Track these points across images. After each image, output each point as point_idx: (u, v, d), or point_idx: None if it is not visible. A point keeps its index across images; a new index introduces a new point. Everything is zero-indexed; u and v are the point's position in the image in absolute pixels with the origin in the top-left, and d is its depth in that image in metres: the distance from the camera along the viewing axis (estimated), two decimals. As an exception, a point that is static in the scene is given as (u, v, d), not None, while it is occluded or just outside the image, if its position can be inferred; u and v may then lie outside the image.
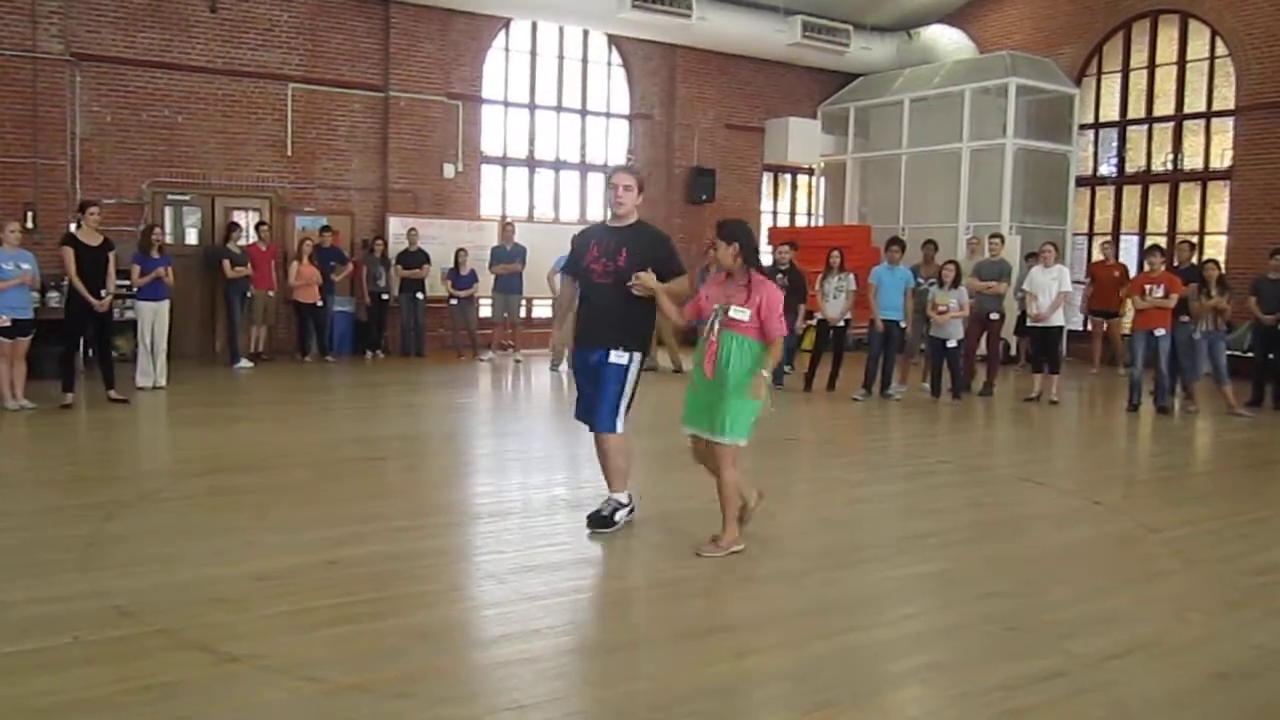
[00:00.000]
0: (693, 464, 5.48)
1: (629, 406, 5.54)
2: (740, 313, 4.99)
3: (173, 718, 3.24)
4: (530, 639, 4.01)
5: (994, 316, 11.70)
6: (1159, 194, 16.46)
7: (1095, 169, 17.31)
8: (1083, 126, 16.96)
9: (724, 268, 5.20)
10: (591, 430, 5.56)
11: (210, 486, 6.60)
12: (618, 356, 5.39)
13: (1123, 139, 16.90)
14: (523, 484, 7.21)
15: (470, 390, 12.05)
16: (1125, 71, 16.71)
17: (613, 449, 5.51)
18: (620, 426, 5.48)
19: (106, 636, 3.89)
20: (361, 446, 8.14)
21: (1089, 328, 15.04)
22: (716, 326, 5.05)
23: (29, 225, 11.51)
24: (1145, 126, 16.51)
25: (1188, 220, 16.09)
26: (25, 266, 9.23)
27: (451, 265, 14.22)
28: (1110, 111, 17.02)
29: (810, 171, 19.42)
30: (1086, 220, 17.34)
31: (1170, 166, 16.18)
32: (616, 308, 5.37)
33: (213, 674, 3.59)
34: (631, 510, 5.66)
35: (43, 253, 10.41)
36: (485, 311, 14.77)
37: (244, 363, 12.72)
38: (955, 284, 10.97)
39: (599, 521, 5.49)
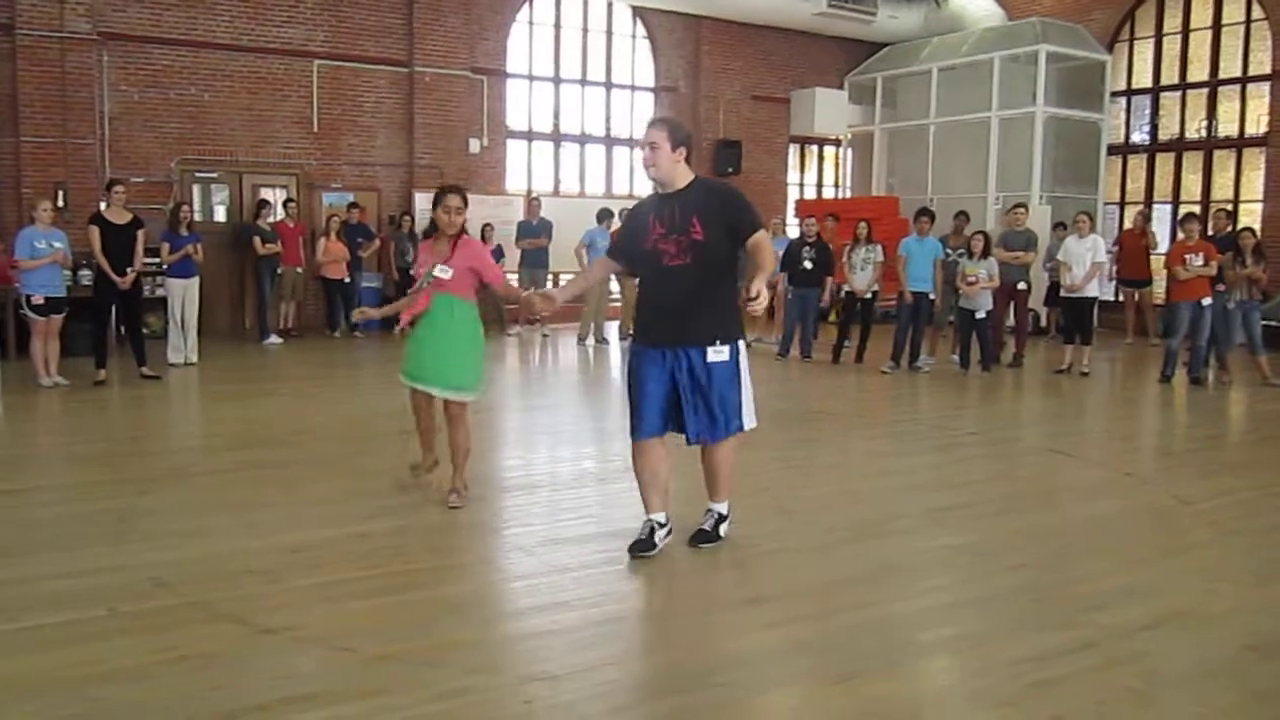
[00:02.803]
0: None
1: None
2: (444, 271, 5.31)
3: (209, 687, 3.29)
4: (559, 611, 4.03)
5: (1021, 287, 11.60)
6: (1193, 162, 16.23)
7: (1127, 137, 17.08)
8: (1115, 94, 16.73)
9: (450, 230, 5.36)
10: (700, 443, 4.71)
11: (241, 461, 6.68)
12: (718, 353, 4.54)
13: (1156, 106, 16.66)
14: (551, 457, 7.24)
15: (498, 364, 12.08)
16: (1158, 37, 16.45)
17: (728, 455, 4.73)
18: (751, 422, 4.73)
19: (142, 608, 3.95)
20: (390, 420, 8.16)
21: (1120, 298, 14.87)
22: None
23: (60, 204, 11.60)
24: (1179, 93, 16.27)
25: (1222, 188, 15.87)
26: (57, 245, 9.34)
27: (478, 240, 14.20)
28: (1143, 78, 16.77)
29: (837, 143, 19.27)
30: (1118, 189, 17.13)
31: (1205, 133, 15.95)
32: (704, 291, 4.50)
33: (247, 645, 3.64)
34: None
35: (74, 231, 10.51)
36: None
37: (273, 338, 12.82)
38: (985, 255, 10.88)
39: (706, 538, 4.82)
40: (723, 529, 4.86)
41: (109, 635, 3.70)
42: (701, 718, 3.19)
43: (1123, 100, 16.94)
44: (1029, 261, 11.66)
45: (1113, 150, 16.80)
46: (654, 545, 4.65)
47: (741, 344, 4.67)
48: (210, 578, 4.28)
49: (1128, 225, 15.67)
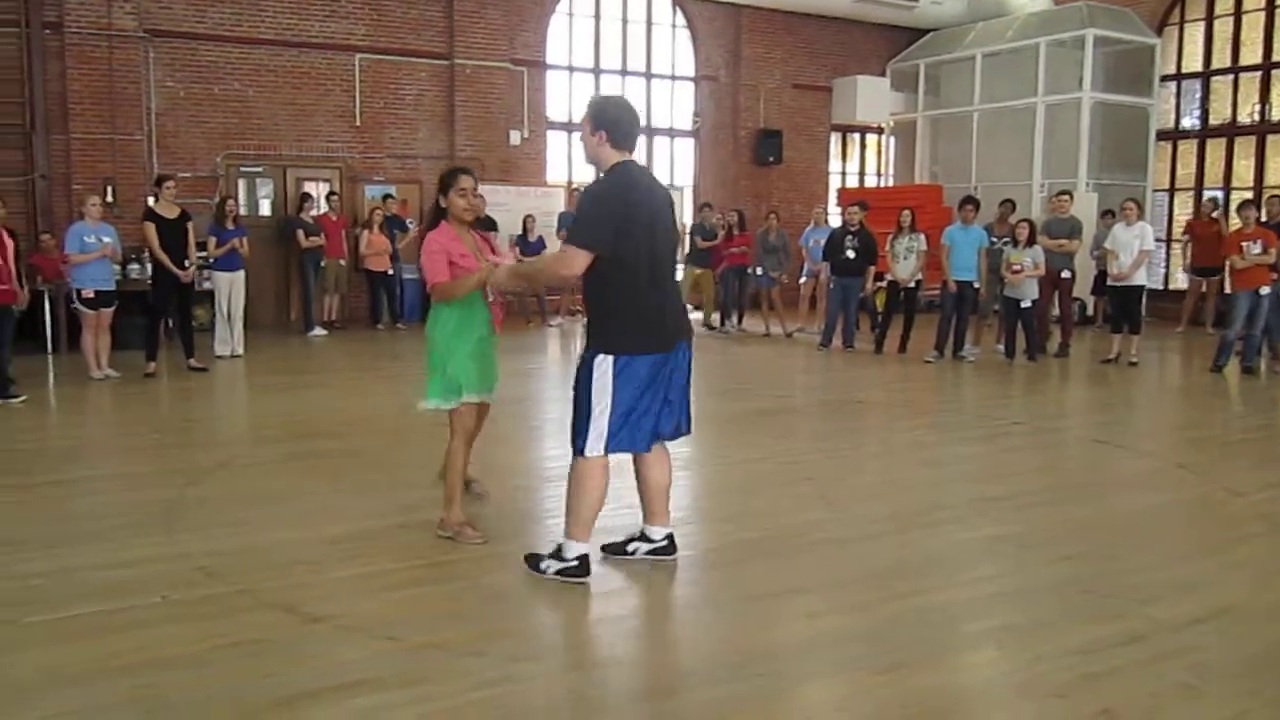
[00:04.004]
0: (767, 427, 5.45)
1: None
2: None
3: (258, 675, 3.33)
4: (604, 600, 4.04)
5: (1065, 275, 11.45)
6: (1245, 147, 15.91)
7: (1177, 122, 16.78)
8: (1164, 78, 16.44)
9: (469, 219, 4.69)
10: (672, 438, 4.38)
11: (287, 452, 6.75)
12: (584, 360, 4.16)
13: (1206, 90, 16.35)
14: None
15: (539, 355, 12.12)
16: (1209, 19, 16.13)
17: (574, 476, 4.25)
18: (592, 449, 4.16)
19: (192, 596, 4.01)
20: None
21: (1185, 285, 14.62)
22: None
23: (109, 199, 11.78)
24: (1230, 76, 15.96)
25: (1275, 173, 15.55)
26: (106, 240, 9.48)
27: (519, 232, 14.29)
28: (1193, 62, 16.45)
29: (879, 131, 19.10)
30: (1168, 176, 16.83)
31: (1257, 118, 15.62)
32: (587, 292, 4.21)
33: (295, 633, 3.68)
34: None
35: (122, 226, 10.67)
36: (554, 278, 14.81)
37: (318, 331, 12.95)
38: (1030, 243, 10.74)
39: (532, 562, 4.31)
40: (545, 566, 4.24)
41: (160, 623, 3.76)
42: (744, 707, 3.18)
43: (1172, 84, 16.64)
44: (1073, 249, 11.49)
45: (1162, 136, 16.51)
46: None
47: (607, 359, 4.03)
48: (258, 567, 4.34)
49: (1193, 213, 15.40)
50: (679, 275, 4.74)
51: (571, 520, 4.20)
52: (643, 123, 4.28)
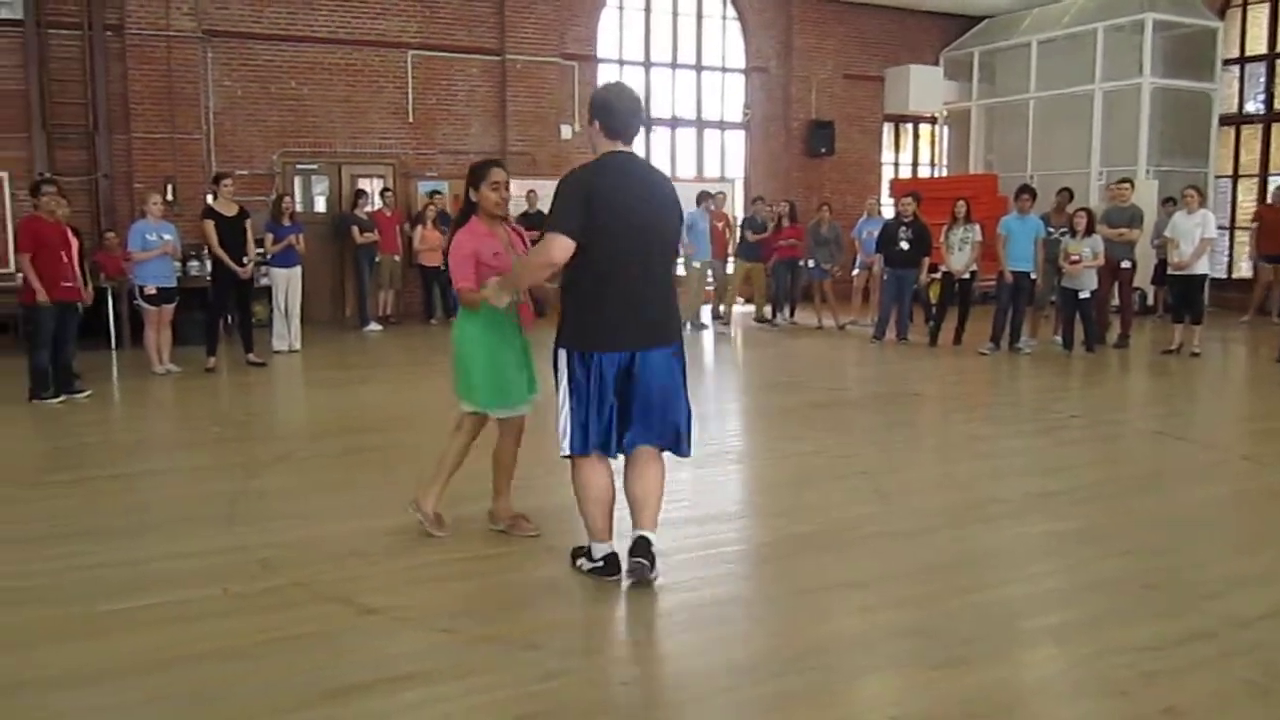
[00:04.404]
0: (820, 420, 5.41)
1: None
2: None
3: (316, 666, 3.38)
4: (656, 594, 4.04)
5: (1125, 265, 11.22)
6: (1312, 131, 15.50)
7: (1240, 107, 16.39)
8: (1226, 62, 16.04)
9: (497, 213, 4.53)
10: (654, 452, 4.09)
11: (343, 446, 6.84)
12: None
13: (1271, 73, 15.94)
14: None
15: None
16: (1274, 1, 15.69)
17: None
18: (562, 447, 4.08)
19: (252, 588, 4.08)
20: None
21: (1251, 274, 14.28)
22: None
23: (169, 198, 11.99)
24: (1297, 59, 15.54)
25: (1343, 158, 15.13)
26: (167, 237, 9.67)
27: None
28: (1257, 44, 16.05)
29: (933, 120, 18.87)
30: (1231, 162, 16.44)
31: (1324, 101, 15.21)
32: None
33: (353, 624, 3.73)
34: None
35: (182, 224, 10.86)
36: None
37: (373, 326, 13.09)
38: (1088, 232, 10.55)
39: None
40: (580, 563, 4.23)
41: (220, 614, 3.83)
42: (799, 702, 3.17)
43: (1235, 68, 16.24)
44: (1134, 239, 11.26)
45: (1225, 121, 16.12)
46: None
47: (562, 353, 4.02)
48: (315, 559, 4.40)
49: (1243, 198, 15.05)
50: (680, 271, 4.43)
51: (584, 522, 4.16)
52: (644, 112, 4.06)
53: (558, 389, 4.05)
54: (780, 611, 3.95)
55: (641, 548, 3.99)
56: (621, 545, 4.08)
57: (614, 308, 3.91)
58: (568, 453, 4.03)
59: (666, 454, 4.13)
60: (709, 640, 3.64)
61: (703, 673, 3.40)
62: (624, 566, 4.05)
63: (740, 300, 14.55)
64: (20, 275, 8.50)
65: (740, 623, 3.88)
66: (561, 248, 3.82)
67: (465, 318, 4.55)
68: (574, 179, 3.92)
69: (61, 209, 8.41)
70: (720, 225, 13.47)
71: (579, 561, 4.24)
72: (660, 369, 4.00)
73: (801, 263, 13.78)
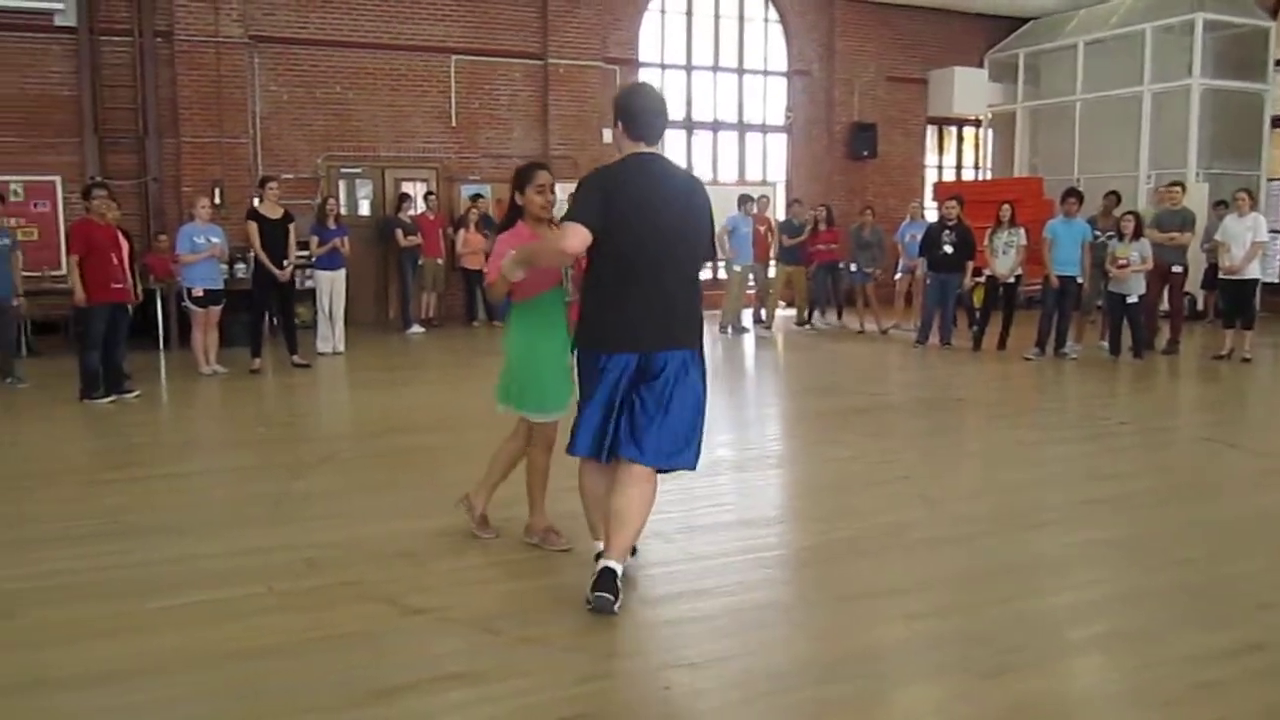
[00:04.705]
0: (862, 425, 5.37)
1: None
2: None
3: (361, 665, 3.40)
4: (698, 598, 4.03)
5: (1176, 269, 11.05)
6: (1367, 133, 15.18)
7: (1293, 108, 16.08)
8: (1278, 62, 15.73)
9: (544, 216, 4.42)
10: (658, 469, 3.95)
11: (388, 446, 6.90)
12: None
13: (1325, 75, 15.63)
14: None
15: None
16: (1329, 1, 15.42)
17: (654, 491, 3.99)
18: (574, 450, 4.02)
19: (297, 587, 4.12)
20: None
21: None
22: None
23: (216, 201, 12.16)
24: (1352, 60, 15.23)
25: (1401, 161, 14.81)
26: (215, 240, 9.81)
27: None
28: (1311, 45, 15.74)
29: (977, 123, 18.71)
30: (1283, 164, 16.15)
31: (1380, 103, 14.89)
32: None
33: (396, 624, 3.76)
34: None
35: (229, 226, 11.01)
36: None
37: (416, 328, 13.19)
38: (1137, 236, 10.40)
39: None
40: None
41: (266, 612, 3.88)
42: (841, 709, 3.15)
43: (1288, 69, 15.95)
44: (1185, 243, 11.10)
45: (1277, 123, 15.82)
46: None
47: (579, 355, 4.01)
48: (360, 559, 4.44)
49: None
50: (702, 276, 4.26)
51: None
52: (667, 114, 3.96)
53: (582, 388, 4.01)
54: (822, 617, 3.93)
55: (606, 581, 3.77)
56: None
57: (631, 308, 3.86)
58: (570, 451, 4.00)
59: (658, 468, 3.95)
60: (750, 645, 3.63)
61: (744, 678, 3.38)
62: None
63: (782, 304, 14.50)
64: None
65: (782, 628, 3.86)
66: (577, 236, 3.76)
67: (513, 321, 4.51)
68: (594, 177, 3.93)
69: (112, 212, 8.56)
70: (762, 229, 13.43)
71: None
72: (676, 372, 3.91)
73: (842, 266, 13.70)
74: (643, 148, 3.94)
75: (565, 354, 4.24)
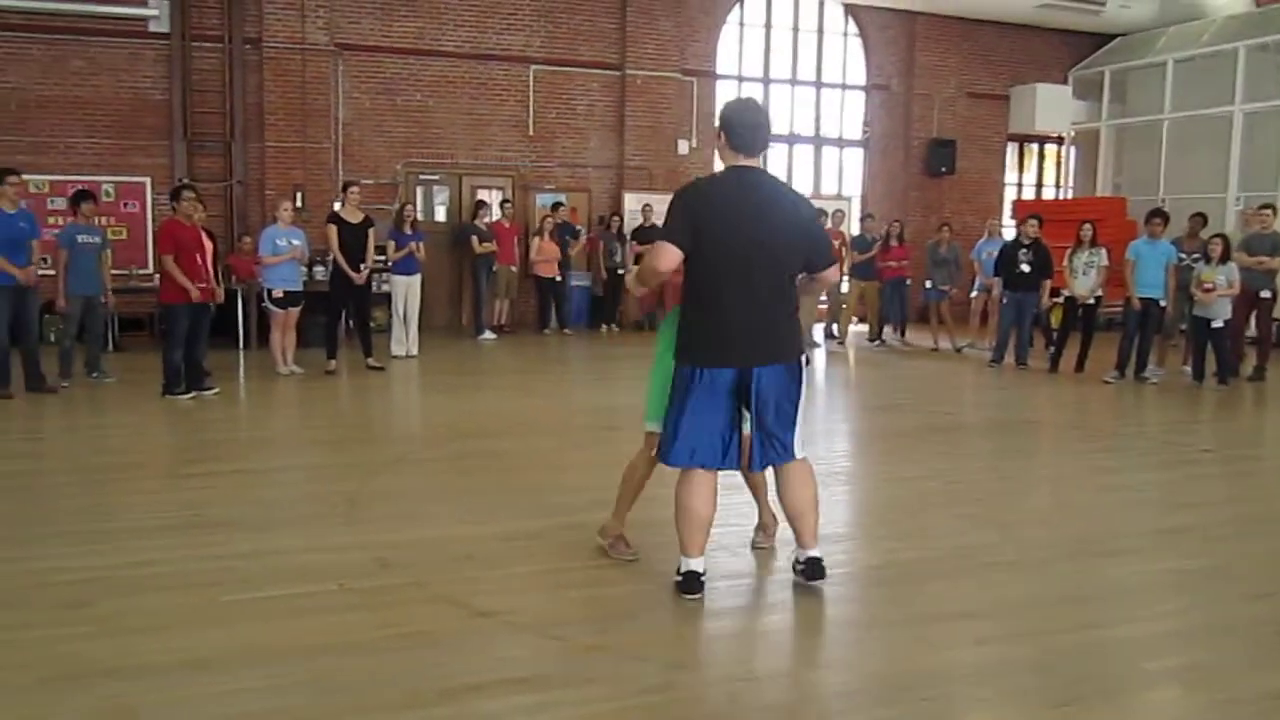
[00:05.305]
0: (934, 445, 5.28)
1: None
2: None
3: (427, 665, 3.44)
4: (764, 612, 4.02)
5: (1265, 294, 10.72)
6: None
7: (1390, 130, 15.53)
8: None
9: None
10: (763, 467, 4.18)
11: (458, 450, 6.98)
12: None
13: None
14: (754, 459, 7.20)
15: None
16: None
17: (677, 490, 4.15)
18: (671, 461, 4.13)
19: (368, 585, 4.18)
20: (599, 416, 8.38)
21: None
22: None
23: (298, 205, 12.43)
24: None
25: None
26: (296, 243, 10.02)
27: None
28: None
29: (1059, 140, 18.38)
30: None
31: None
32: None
33: (464, 626, 3.80)
34: None
35: (310, 230, 11.25)
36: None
37: (488, 334, 13.33)
38: (1224, 259, 10.12)
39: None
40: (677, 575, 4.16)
41: (338, 609, 3.94)
42: (909, 732, 3.11)
43: (1386, 90, 15.42)
44: (1275, 267, 10.76)
45: (1372, 145, 15.31)
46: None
47: (677, 367, 4.04)
48: (430, 560, 4.49)
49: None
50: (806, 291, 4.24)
51: (678, 534, 4.14)
52: (773, 129, 4.07)
53: (671, 398, 4.05)
54: (889, 637, 3.88)
55: (814, 570, 4.11)
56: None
57: (726, 322, 3.91)
58: (666, 462, 4.05)
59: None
60: (817, 663, 3.60)
61: (810, 695, 3.36)
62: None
63: (855, 319, 14.39)
64: (158, 275, 8.91)
65: (847, 646, 3.82)
66: (667, 255, 3.86)
67: (659, 334, 4.49)
68: (688, 190, 4.01)
69: (198, 213, 8.79)
70: (836, 243, 13.34)
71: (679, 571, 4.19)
72: (776, 385, 3.97)
73: (909, 282, 13.58)
74: (743, 160, 4.00)
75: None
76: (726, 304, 3.90)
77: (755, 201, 3.94)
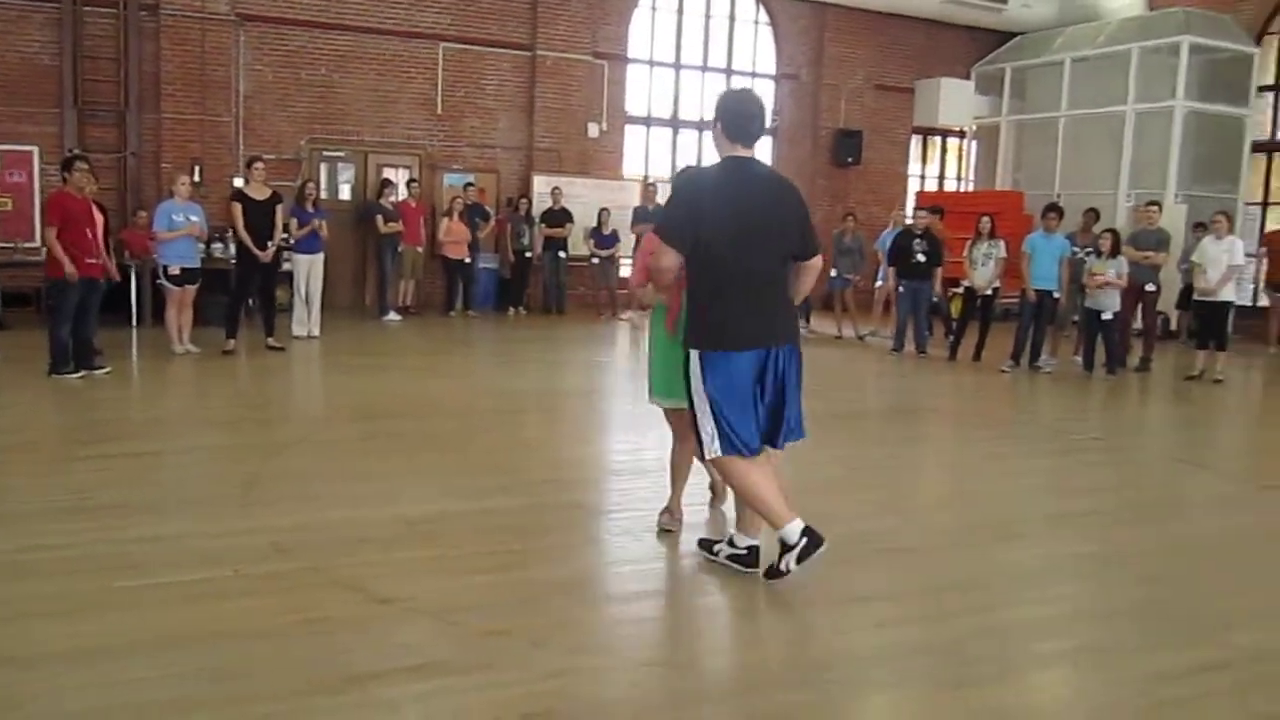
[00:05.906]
0: (835, 432, 5.34)
1: None
2: None
3: (325, 652, 3.37)
4: (668, 597, 4.03)
5: (1150, 288, 11.15)
6: (1346, 162, 15.36)
7: (1274, 133, 16.27)
8: (1262, 88, 15.93)
9: None
10: (774, 445, 4.21)
11: (360, 432, 6.85)
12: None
13: (1305, 102, 15.80)
14: (660, 442, 7.18)
15: (609, 348, 12.15)
16: (1312, 30, 15.58)
17: (724, 476, 4.26)
18: (708, 450, 4.16)
19: (264, 571, 4.08)
20: (503, 399, 8.31)
21: (1267, 303, 14.11)
22: None
23: (196, 179, 12.05)
24: (1333, 89, 15.40)
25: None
26: (194, 218, 9.71)
27: (594, 224, 14.35)
28: (1294, 72, 15.92)
29: (961, 134, 18.79)
30: (1262, 188, 16.31)
31: (1359, 132, 15.06)
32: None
33: (363, 612, 3.72)
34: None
35: (208, 205, 10.90)
36: (626, 271, 14.83)
37: (393, 315, 13.12)
38: (1114, 253, 10.47)
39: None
40: (718, 550, 4.37)
41: (234, 595, 3.84)
42: (804, 715, 3.14)
43: (1270, 95, 16.11)
44: (1160, 262, 11.19)
45: (1258, 147, 15.99)
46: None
47: (693, 354, 4.05)
48: (329, 545, 4.39)
49: (1272, 226, 14.92)
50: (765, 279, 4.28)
51: (738, 514, 4.32)
52: (763, 118, 4.11)
53: (690, 392, 4.06)
54: (791, 622, 3.93)
55: (813, 543, 4.06)
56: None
57: (740, 307, 3.98)
58: (717, 454, 4.04)
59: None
60: (719, 647, 3.62)
61: (710, 680, 3.37)
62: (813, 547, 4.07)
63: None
64: (45, 249, 8.54)
65: (750, 631, 3.86)
66: (668, 255, 3.96)
67: (653, 317, 4.67)
68: (687, 181, 4.14)
69: (90, 186, 8.46)
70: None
71: (717, 548, 4.35)
72: (790, 365, 4.08)
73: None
74: (739, 150, 4.06)
75: (665, 343, 4.48)
76: (740, 290, 3.97)
77: (755, 190, 4.03)
